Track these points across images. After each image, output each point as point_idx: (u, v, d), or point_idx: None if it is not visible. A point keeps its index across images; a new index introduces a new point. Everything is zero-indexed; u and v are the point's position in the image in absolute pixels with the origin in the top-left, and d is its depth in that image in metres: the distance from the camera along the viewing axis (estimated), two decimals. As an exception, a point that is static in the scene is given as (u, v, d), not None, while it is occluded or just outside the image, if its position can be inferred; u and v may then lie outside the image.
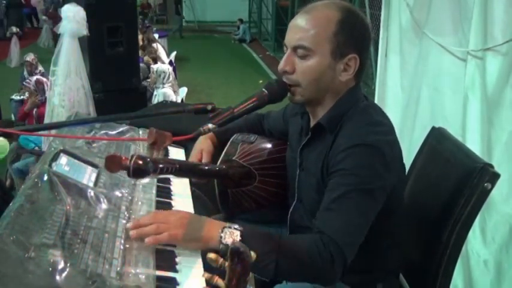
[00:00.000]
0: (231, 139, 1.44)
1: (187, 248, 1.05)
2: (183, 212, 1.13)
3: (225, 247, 0.98)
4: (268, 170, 1.36)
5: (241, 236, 0.99)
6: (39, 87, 4.14)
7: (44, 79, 4.27)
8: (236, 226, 1.01)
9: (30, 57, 5.47)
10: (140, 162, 1.00)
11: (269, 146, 1.42)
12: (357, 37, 1.15)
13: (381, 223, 1.17)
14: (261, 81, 8.33)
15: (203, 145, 1.46)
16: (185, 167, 1.20)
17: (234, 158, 1.37)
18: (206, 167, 1.36)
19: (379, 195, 1.09)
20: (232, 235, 0.99)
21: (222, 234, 0.99)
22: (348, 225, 1.05)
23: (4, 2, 12.81)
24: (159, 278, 0.97)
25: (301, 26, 1.15)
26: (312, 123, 1.25)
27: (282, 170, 1.37)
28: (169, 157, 1.73)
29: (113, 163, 0.99)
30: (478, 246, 1.99)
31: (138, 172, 1.00)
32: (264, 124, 1.57)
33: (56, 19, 9.28)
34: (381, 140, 1.10)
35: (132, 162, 1.00)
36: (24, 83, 4.46)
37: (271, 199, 1.37)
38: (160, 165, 1.05)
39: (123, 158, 1.00)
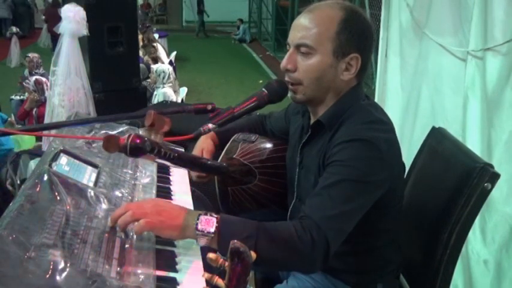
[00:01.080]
0: (232, 138, 1.45)
1: (163, 235, 1.04)
2: (156, 199, 1.13)
3: (201, 234, 0.97)
4: (268, 168, 1.37)
5: (217, 222, 0.98)
6: (38, 87, 4.14)
7: (43, 79, 4.27)
8: (212, 214, 1.00)
9: (33, 54, 5.41)
10: (137, 140, 0.99)
11: (270, 145, 1.43)
12: (359, 37, 1.15)
13: (379, 220, 1.17)
14: (261, 81, 8.34)
15: (204, 144, 1.46)
16: (185, 157, 1.19)
17: (234, 156, 1.37)
18: (208, 161, 1.36)
19: (371, 189, 1.08)
20: (208, 222, 0.98)
21: (198, 221, 0.98)
22: (334, 211, 1.03)
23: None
24: (159, 278, 0.97)
25: (304, 25, 1.15)
26: (313, 121, 1.25)
27: (282, 169, 1.38)
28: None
29: (110, 143, 0.98)
30: (478, 246, 1.99)
31: (135, 150, 0.99)
32: (266, 125, 1.57)
33: (51, 19, 9.26)
34: (379, 136, 1.10)
35: (130, 140, 0.99)
36: (23, 83, 4.45)
37: (271, 198, 1.38)
38: (158, 148, 1.04)
39: (121, 138, 0.99)
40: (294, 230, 1.00)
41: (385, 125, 1.16)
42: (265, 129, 1.56)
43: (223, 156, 1.40)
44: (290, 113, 1.45)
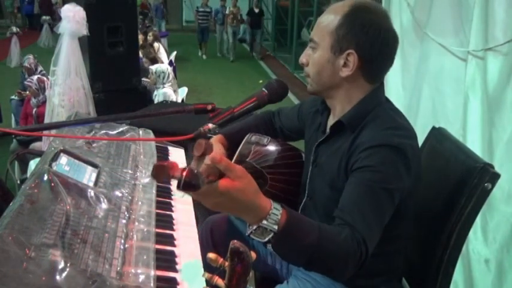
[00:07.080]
0: (244, 139, 1.41)
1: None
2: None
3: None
4: (278, 175, 1.35)
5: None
6: (41, 86, 4.15)
7: (45, 78, 4.26)
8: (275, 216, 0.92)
9: (28, 61, 5.22)
10: (191, 176, 0.92)
11: (282, 149, 1.39)
12: (358, 32, 1.12)
13: (393, 227, 1.14)
14: (261, 81, 8.34)
15: (216, 149, 1.42)
16: None
17: (247, 160, 1.36)
18: None
19: (396, 196, 1.08)
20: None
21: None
22: (375, 224, 1.03)
23: None
24: (159, 278, 0.97)
25: (319, 21, 1.19)
26: (332, 120, 1.24)
27: (294, 176, 1.35)
28: (169, 157, 1.73)
29: (161, 172, 0.92)
30: (479, 246, 1.99)
31: (188, 187, 0.92)
32: (275, 122, 1.54)
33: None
34: (405, 143, 1.09)
35: (184, 175, 0.92)
36: (25, 82, 4.44)
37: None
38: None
39: (173, 167, 0.92)
40: (351, 247, 0.97)
41: (409, 131, 1.15)
42: (274, 127, 1.53)
43: (236, 159, 1.38)
44: (304, 111, 1.42)
